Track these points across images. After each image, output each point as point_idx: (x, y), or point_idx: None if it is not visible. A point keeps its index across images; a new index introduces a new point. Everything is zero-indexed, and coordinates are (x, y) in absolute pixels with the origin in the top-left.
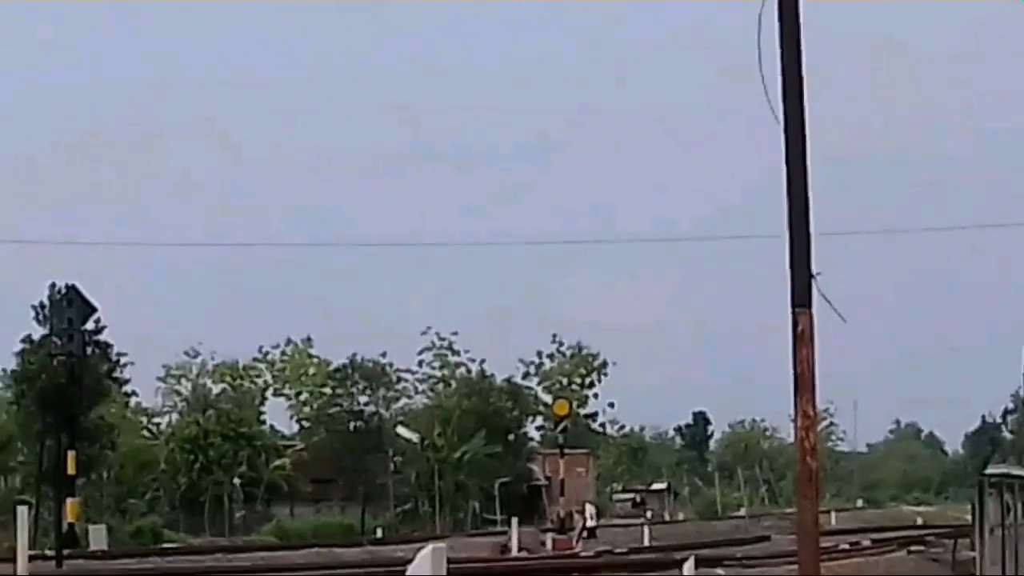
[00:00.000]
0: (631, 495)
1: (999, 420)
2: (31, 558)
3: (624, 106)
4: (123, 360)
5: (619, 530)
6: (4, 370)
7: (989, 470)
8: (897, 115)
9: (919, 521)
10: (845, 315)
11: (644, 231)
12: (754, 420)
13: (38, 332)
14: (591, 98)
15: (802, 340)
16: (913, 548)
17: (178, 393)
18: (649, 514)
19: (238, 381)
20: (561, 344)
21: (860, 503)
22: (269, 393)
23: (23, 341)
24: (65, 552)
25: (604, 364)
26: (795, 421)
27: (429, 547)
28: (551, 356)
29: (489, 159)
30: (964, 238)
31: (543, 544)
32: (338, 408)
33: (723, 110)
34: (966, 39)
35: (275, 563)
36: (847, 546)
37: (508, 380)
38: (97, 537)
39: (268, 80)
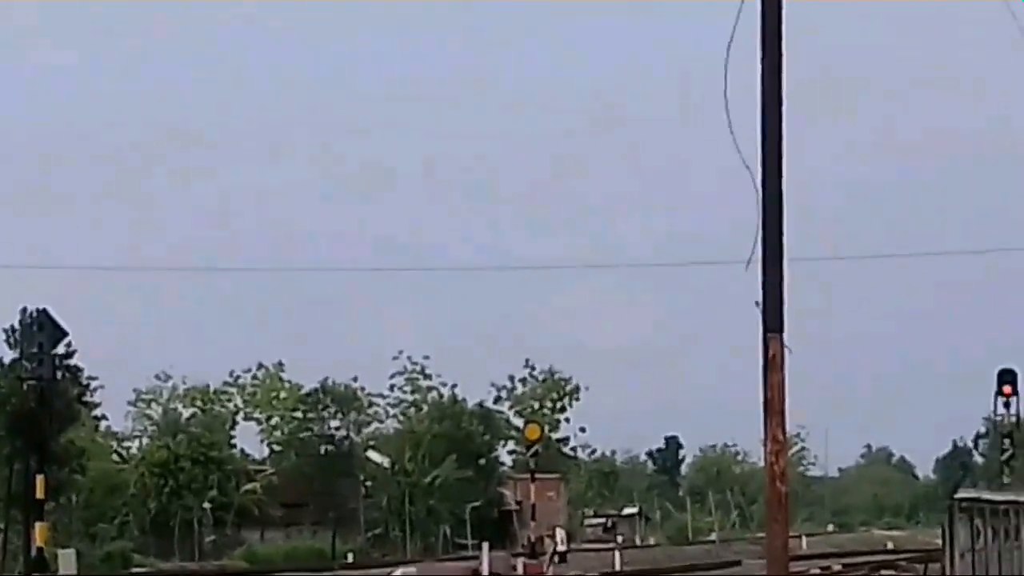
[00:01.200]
0: (602, 520)
1: (971, 444)
2: None
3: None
4: (93, 384)
5: (590, 555)
6: None
7: (960, 494)
8: (868, 142)
9: (890, 546)
10: (819, 340)
11: (616, 257)
12: (726, 445)
13: (8, 356)
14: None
15: (773, 365)
16: (884, 573)
17: (148, 417)
18: (620, 539)
19: (209, 405)
20: (533, 368)
21: (831, 528)
22: (240, 417)
23: None
24: None
25: (576, 389)
26: (765, 446)
27: (399, 572)
28: (523, 380)
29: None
30: (936, 265)
31: (514, 568)
32: (309, 432)
33: (693, 135)
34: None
35: None
36: (818, 571)
37: (480, 404)
38: (66, 562)
39: (244, 98)
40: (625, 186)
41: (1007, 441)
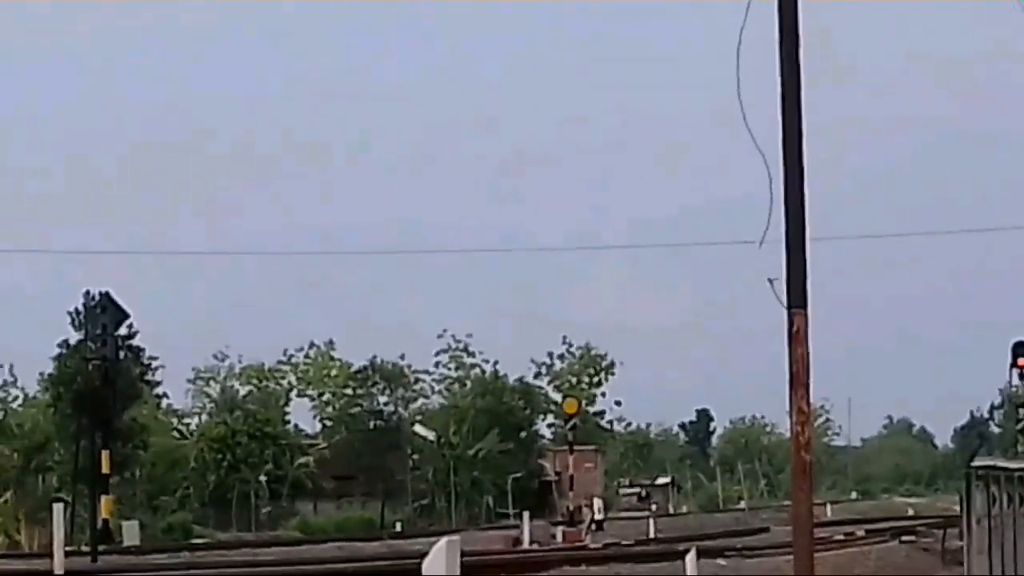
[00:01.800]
0: (637, 489)
1: (987, 415)
2: (67, 554)
3: (625, 109)
4: (154, 364)
5: (625, 523)
6: (42, 374)
7: (976, 462)
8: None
9: (910, 512)
10: (842, 315)
11: (647, 236)
12: (754, 416)
13: (74, 337)
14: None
15: (797, 339)
16: (904, 538)
17: (207, 395)
18: (654, 507)
19: (264, 383)
20: (570, 345)
21: (854, 495)
22: (293, 394)
23: (59, 346)
24: (100, 547)
25: (612, 364)
26: (791, 417)
27: (444, 541)
28: (561, 357)
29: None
30: (954, 241)
31: (553, 537)
32: (359, 408)
33: (721, 113)
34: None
35: (299, 557)
36: (841, 536)
37: (520, 380)
38: (130, 533)
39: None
40: (656, 166)
41: (1021, 411)
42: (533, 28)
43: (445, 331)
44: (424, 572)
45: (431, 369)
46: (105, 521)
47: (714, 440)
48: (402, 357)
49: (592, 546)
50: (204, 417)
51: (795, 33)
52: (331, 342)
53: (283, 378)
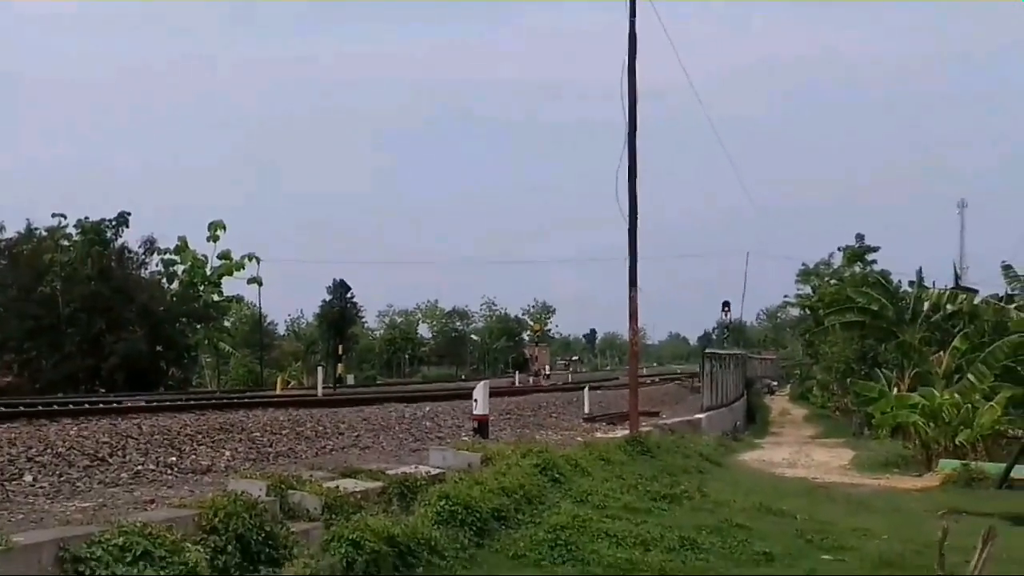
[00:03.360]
0: (564, 361)
1: (711, 331)
2: (325, 389)
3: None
4: (361, 307)
5: (558, 377)
6: (314, 313)
7: (707, 351)
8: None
9: (679, 371)
10: (656, 291)
11: (573, 254)
12: (615, 332)
13: (327, 297)
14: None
15: (633, 301)
16: (676, 382)
17: (382, 322)
18: (571, 369)
19: (407, 317)
20: (537, 301)
21: (655, 364)
22: (420, 323)
23: (322, 300)
24: (337, 386)
25: (554, 310)
26: (630, 332)
27: (482, 381)
28: (533, 306)
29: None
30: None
31: (530, 381)
32: (449, 328)
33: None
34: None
35: (423, 389)
36: (649, 382)
37: (516, 316)
38: (351, 380)
39: None
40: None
41: (726, 331)
42: None
43: (484, 296)
44: (474, 392)
45: (477, 311)
46: (340, 375)
47: (597, 342)
48: (466, 306)
49: (544, 384)
50: (381, 331)
51: (634, 156)
52: (436, 300)
53: (415, 317)
